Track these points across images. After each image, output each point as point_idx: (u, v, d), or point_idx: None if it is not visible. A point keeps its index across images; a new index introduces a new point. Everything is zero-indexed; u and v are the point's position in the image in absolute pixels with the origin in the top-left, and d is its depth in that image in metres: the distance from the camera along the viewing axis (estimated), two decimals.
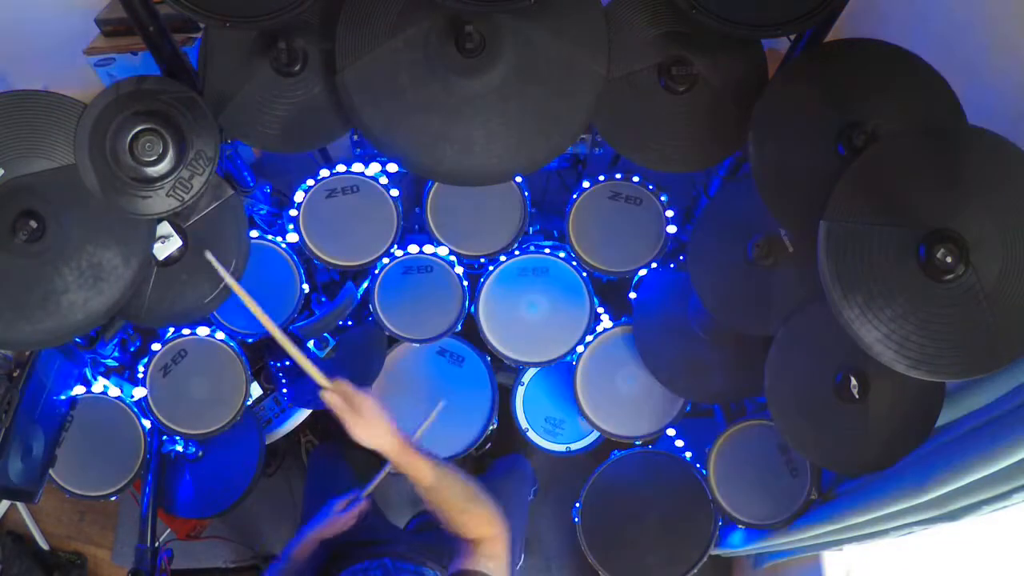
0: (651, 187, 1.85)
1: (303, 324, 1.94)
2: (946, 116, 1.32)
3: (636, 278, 1.99)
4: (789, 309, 1.56)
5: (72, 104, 1.34)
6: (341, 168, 1.82)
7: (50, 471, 1.77)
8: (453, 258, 1.94)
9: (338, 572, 1.38)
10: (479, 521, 1.28)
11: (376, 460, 1.60)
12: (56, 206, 1.34)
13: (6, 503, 2.55)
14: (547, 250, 1.94)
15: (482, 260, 1.99)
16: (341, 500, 1.58)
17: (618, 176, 1.85)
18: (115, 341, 1.87)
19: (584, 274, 1.95)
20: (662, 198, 1.85)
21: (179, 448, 2.10)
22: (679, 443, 2.07)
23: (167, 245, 1.51)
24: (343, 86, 1.39)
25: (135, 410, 1.90)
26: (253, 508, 2.58)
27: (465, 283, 1.95)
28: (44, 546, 2.71)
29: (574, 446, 2.15)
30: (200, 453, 2.16)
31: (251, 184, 1.86)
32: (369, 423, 1.26)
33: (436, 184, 1.88)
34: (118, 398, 1.89)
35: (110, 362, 1.93)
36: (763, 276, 1.59)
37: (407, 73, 1.39)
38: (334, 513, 1.56)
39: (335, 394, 1.26)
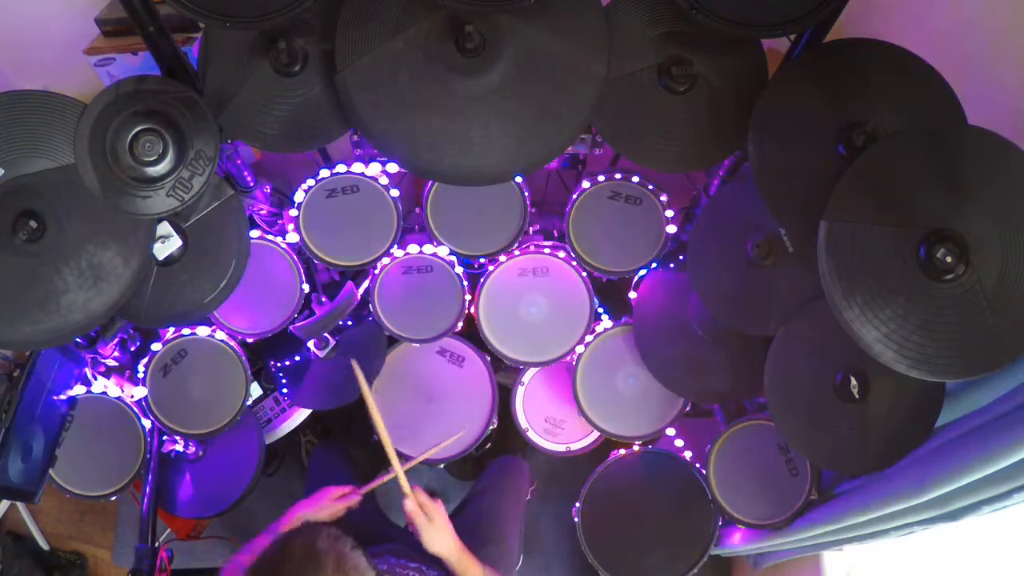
0: (651, 187, 1.85)
1: (303, 324, 1.94)
2: (946, 116, 1.32)
3: (636, 278, 1.99)
4: (789, 309, 1.56)
5: (72, 104, 1.33)
6: (341, 168, 1.82)
7: (50, 471, 1.77)
8: (453, 258, 1.94)
9: None
10: None
11: (377, 460, 1.62)
12: (56, 206, 1.34)
13: (6, 503, 2.55)
14: (547, 250, 1.94)
15: (482, 260, 1.99)
16: (337, 489, 1.60)
17: (618, 176, 1.85)
18: (115, 341, 1.87)
19: (584, 274, 1.95)
20: (662, 198, 1.85)
21: (179, 448, 2.10)
22: (679, 443, 2.07)
23: (167, 245, 1.51)
24: (343, 86, 1.39)
25: (135, 410, 1.90)
26: (253, 508, 2.58)
27: (465, 283, 1.95)
28: (44, 546, 2.72)
29: (574, 446, 2.15)
30: (200, 453, 2.16)
31: (251, 184, 1.86)
32: (438, 528, 1.46)
33: (436, 184, 1.88)
34: (118, 398, 1.89)
35: (110, 362, 1.93)
36: (763, 276, 1.59)
37: (407, 73, 1.39)
38: (329, 498, 1.58)
39: (413, 501, 1.46)
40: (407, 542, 1.61)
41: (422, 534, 1.46)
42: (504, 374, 2.21)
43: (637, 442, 2.02)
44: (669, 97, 1.47)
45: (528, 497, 2.18)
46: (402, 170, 1.83)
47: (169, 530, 2.40)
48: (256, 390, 2.24)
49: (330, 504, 1.57)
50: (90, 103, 1.34)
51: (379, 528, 1.73)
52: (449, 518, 1.53)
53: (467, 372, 2.14)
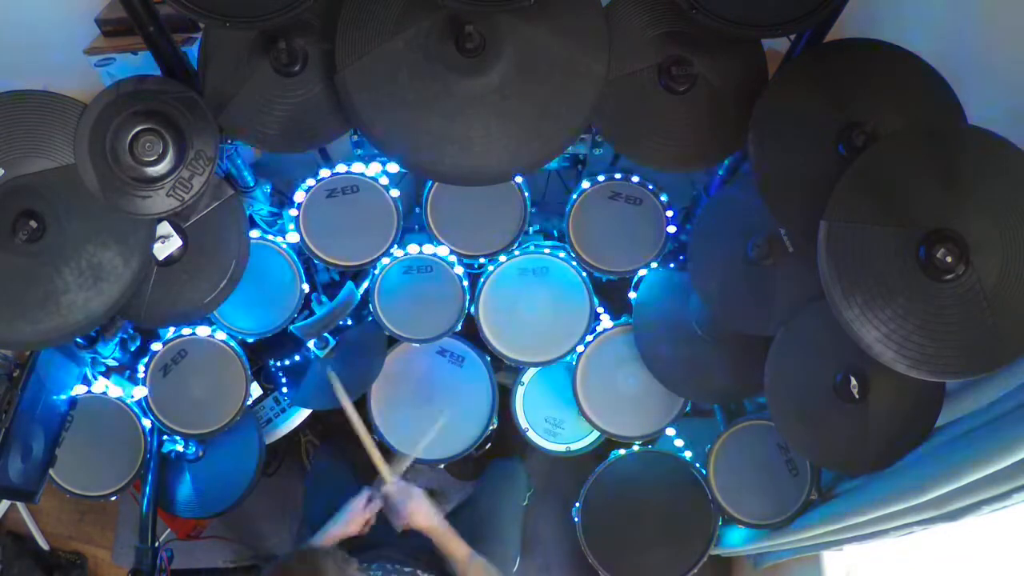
0: (651, 187, 1.85)
1: (303, 324, 1.94)
2: (946, 116, 1.32)
3: (636, 278, 1.99)
4: (789, 309, 1.56)
5: (72, 104, 1.34)
6: (341, 168, 1.82)
7: (50, 471, 1.77)
8: (453, 258, 1.94)
9: None
10: None
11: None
12: (56, 206, 1.34)
13: (6, 503, 2.55)
14: (547, 250, 1.94)
15: (482, 260, 1.98)
16: (360, 498, 1.63)
17: (618, 176, 1.85)
18: (115, 341, 1.87)
19: (584, 274, 1.95)
20: (662, 198, 1.85)
21: (179, 448, 2.10)
22: (679, 443, 2.07)
23: (167, 245, 1.51)
24: (343, 86, 1.39)
25: (135, 410, 1.90)
26: (253, 508, 2.58)
27: (465, 283, 1.95)
28: (44, 546, 2.71)
29: (574, 446, 2.15)
30: (200, 453, 2.16)
31: (251, 184, 1.85)
32: (420, 508, 1.56)
33: (436, 184, 1.88)
34: (118, 398, 1.89)
35: (110, 362, 1.93)
36: (763, 276, 1.59)
37: (407, 73, 1.39)
38: (355, 511, 1.61)
39: (393, 484, 1.60)
40: (402, 548, 1.62)
41: (405, 511, 1.54)
42: (504, 374, 2.21)
43: (637, 442, 2.02)
44: (669, 97, 1.47)
45: (524, 501, 2.18)
46: (402, 170, 1.83)
47: (169, 530, 2.40)
48: (256, 390, 2.24)
49: (360, 517, 1.61)
50: (90, 103, 1.34)
51: (376, 534, 1.73)
52: (446, 518, 1.54)
53: (467, 372, 2.14)
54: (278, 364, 2.25)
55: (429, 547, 1.57)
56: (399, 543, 1.67)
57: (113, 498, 1.91)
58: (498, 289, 1.99)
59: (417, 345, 2.06)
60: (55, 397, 1.76)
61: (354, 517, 1.59)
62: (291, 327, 1.95)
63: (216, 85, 1.44)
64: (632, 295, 2.00)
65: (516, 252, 1.95)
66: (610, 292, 2.10)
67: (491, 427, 2.10)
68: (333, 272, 2.12)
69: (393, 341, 2.07)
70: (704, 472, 1.89)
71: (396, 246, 1.90)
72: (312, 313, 2.02)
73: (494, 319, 2.00)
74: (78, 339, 1.80)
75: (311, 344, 2.06)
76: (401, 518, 1.56)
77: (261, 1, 1.24)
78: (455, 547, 1.53)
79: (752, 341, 1.68)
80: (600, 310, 2.04)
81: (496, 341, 2.01)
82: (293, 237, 1.88)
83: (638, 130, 1.50)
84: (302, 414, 2.32)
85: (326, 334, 2.04)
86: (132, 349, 2.00)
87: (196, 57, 1.46)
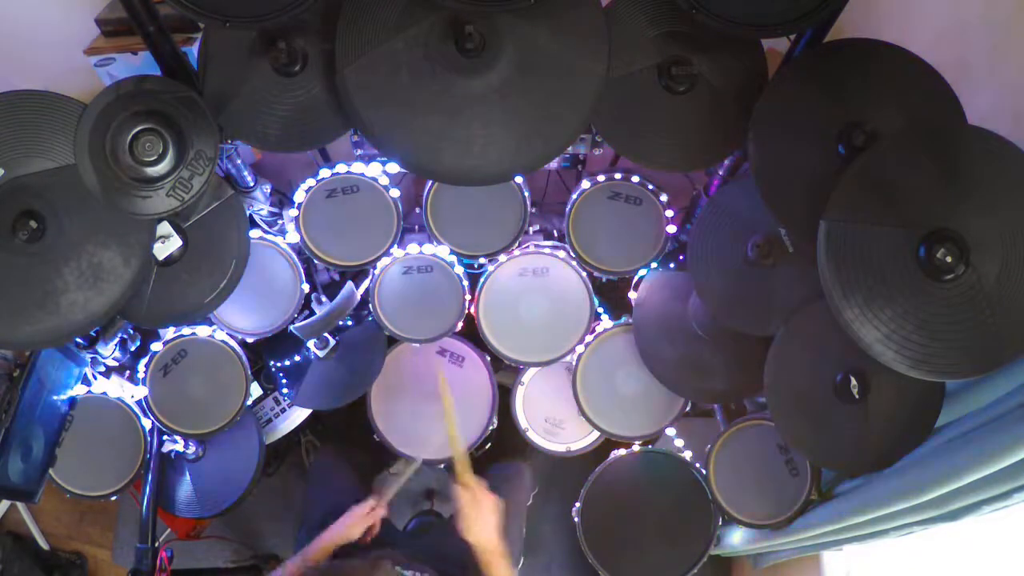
0: (651, 187, 1.85)
1: (303, 324, 1.94)
2: (946, 116, 1.32)
3: (636, 278, 1.99)
4: (789, 309, 1.56)
5: (72, 104, 1.34)
6: (341, 168, 1.82)
7: (50, 471, 1.78)
8: (453, 258, 1.94)
9: None
10: None
11: (378, 461, 1.62)
12: (56, 206, 1.34)
13: (6, 503, 2.55)
14: (547, 250, 1.94)
15: (482, 260, 1.99)
16: (363, 507, 1.60)
17: (618, 176, 1.85)
18: (115, 341, 1.87)
19: (584, 274, 1.95)
20: (662, 198, 1.85)
21: (179, 448, 2.10)
22: (679, 443, 2.07)
23: (167, 245, 1.51)
24: (343, 86, 1.39)
25: (135, 410, 1.90)
26: (253, 508, 2.58)
27: (465, 283, 1.95)
28: (44, 546, 2.72)
29: (574, 446, 2.15)
30: (200, 453, 2.16)
31: (251, 184, 1.86)
32: (484, 517, 1.41)
33: (436, 184, 1.88)
34: (118, 398, 1.89)
35: (110, 362, 1.93)
36: (763, 276, 1.59)
37: (407, 73, 1.39)
38: (358, 516, 1.59)
39: (469, 488, 1.44)
40: (406, 546, 1.61)
41: (463, 517, 1.42)
42: (504, 374, 2.21)
43: (637, 442, 2.02)
44: (669, 97, 1.47)
45: (528, 503, 2.18)
46: (402, 170, 1.83)
47: (169, 530, 2.40)
48: (256, 390, 2.24)
49: (360, 520, 1.58)
50: (90, 103, 1.34)
51: (381, 533, 1.73)
52: (447, 519, 1.52)
53: (467, 372, 2.14)
54: (278, 364, 2.25)
55: (433, 547, 1.57)
56: (404, 543, 1.67)
57: (113, 498, 1.91)
58: (498, 289, 1.99)
59: (417, 345, 2.06)
60: (55, 397, 1.76)
61: (355, 521, 1.58)
62: (291, 327, 1.95)
63: (216, 85, 1.44)
64: (632, 295, 2.00)
65: (516, 252, 1.95)
66: (610, 292, 2.10)
67: (491, 427, 2.10)
68: (333, 272, 2.12)
69: (393, 341, 2.07)
70: (704, 472, 1.89)
71: (396, 246, 1.90)
72: (312, 313, 2.02)
73: (494, 319, 2.00)
74: (78, 339, 1.80)
75: (311, 344, 2.06)
76: (458, 521, 1.45)
77: (261, 1, 1.24)
78: (502, 572, 1.41)
79: (752, 341, 1.68)
80: (600, 310, 2.04)
81: (496, 341, 2.01)
82: (293, 237, 1.88)
83: (638, 130, 1.50)
84: (302, 414, 2.32)
85: (326, 334, 2.04)
86: (132, 349, 2.00)
87: (196, 57, 1.46)
